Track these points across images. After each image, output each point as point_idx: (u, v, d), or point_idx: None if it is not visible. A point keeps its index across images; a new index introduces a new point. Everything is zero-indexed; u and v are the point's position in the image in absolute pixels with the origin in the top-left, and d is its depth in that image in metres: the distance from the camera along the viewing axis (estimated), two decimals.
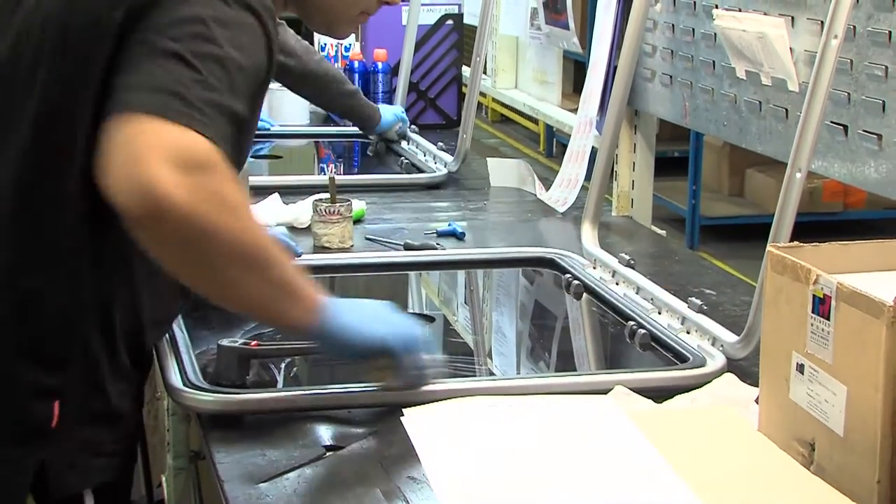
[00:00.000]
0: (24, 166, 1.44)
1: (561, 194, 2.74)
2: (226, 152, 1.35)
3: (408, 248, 2.37)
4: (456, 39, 3.64)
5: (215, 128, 1.34)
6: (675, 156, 6.19)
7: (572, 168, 2.74)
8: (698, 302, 1.91)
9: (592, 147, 2.65)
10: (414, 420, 1.56)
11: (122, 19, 1.39)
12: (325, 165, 3.49)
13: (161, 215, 1.27)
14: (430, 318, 2.14)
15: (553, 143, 7.96)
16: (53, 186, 1.44)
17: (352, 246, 2.37)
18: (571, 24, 3.42)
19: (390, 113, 3.28)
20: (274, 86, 3.56)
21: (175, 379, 1.65)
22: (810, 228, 4.18)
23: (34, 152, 1.44)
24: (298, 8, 1.63)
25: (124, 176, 1.28)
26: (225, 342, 1.69)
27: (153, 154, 1.27)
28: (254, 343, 1.69)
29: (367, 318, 1.56)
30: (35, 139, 1.44)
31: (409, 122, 3.32)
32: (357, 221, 2.50)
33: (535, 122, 7.87)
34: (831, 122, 1.90)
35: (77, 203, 1.44)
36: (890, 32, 1.78)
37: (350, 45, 3.88)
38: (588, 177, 2.48)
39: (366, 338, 1.54)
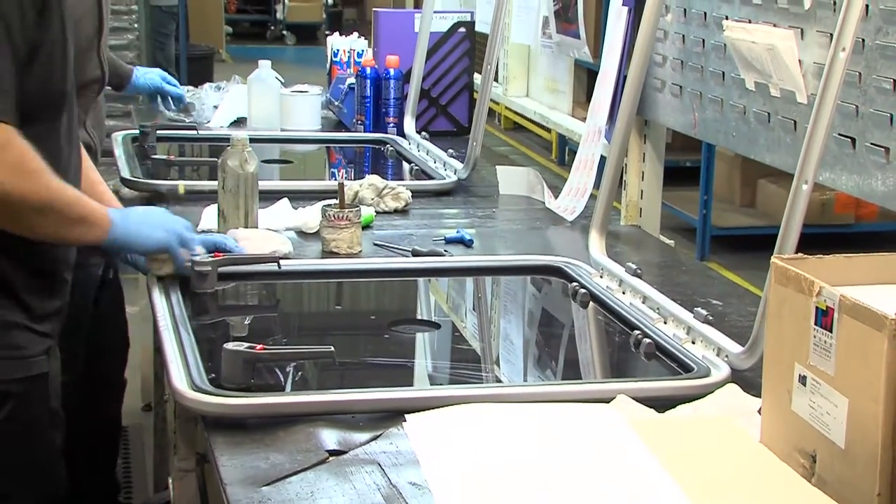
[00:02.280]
0: None
1: (569, 203, 2.75)
2: (11, 106, 1.71)
3: (416, 254, 2.38)
4: (468, 47, 3.66)
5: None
6: (687, 165, 6.19)
7: (581, 177, 2.74)
8: (704, 312, 1.91)
9: (602, 156, 2.65)
10: (416, 426, 1.56)
11: None
12: (335, 171, 3.50)
13: None
14: (435, 325, 2.15)
15: (565, 152, 7.95)
16: None
17: (360, 252, 2.38)
18: (583, 34, 3.43)
19: (150, 73, 3.32)
20: (285, 91, 3.60)
21: (180, 382, 1.66)
22: (822, 240, 4.17)
23: None
24: None
25: None
26: (230, 346, 1.70)
27: None
28: (259, 347, 1.70)
29: (146, 224, 2.02)
30: None
31: (177, 91, 3.41)
32: (366, 227, 2.51)
33: (548, 130, 7.87)
34: (839, 134, 1.90)
35: None
36: None
37: (362, 51, 3.90)
38: (597, 185, 2.49)
39: (148, 241, 2.02)
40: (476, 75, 3.63)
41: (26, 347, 1.82)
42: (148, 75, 3.39)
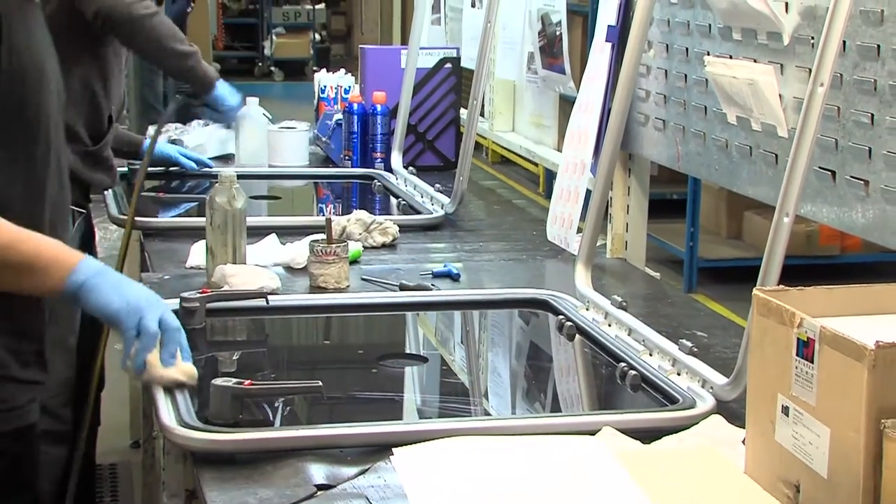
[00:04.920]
0: None
1: (559, 232, 2.77)
2: None
3: (403, 288, 2.39)
4: (454, 83, 3.69)
5: None
6: (674, 198, 6.22)
7: (565, 207, 2.77)
8: (689, 344, 1.93)
9: (587, 189, 2.67)
10: (403, 459, 1.57)
11: None
12: (323, 206, 3.52)
13: None
14: (423, 359, 2.16)
15: (553, 185, 7.97)
16: None
17: (348, 286, 2.39)
18: (568, 69, 3.46)
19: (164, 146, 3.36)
20: (272, 127, 3.62)
21: (168, 418, 1.67)
22: (808, 271, 4.19)
23: None
24: None
25: None
26: (218, 381, 1.70)
27: None
28: (247, 382, 1.71)
29: (114, 287, 1.68)
30: None
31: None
32: (353, 262, 2.52)
33: (535, 163, 7.90)
34: (819, 167, 1.93)
35: None
36: (875, 81, 1.81)
37: (349, 87, 3.93)
38: (583, 218, 2.51)
39: (102, 305, 1.67)
40: (462, 110, 3.66)
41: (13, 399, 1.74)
42: (163, 147, 3.40)
